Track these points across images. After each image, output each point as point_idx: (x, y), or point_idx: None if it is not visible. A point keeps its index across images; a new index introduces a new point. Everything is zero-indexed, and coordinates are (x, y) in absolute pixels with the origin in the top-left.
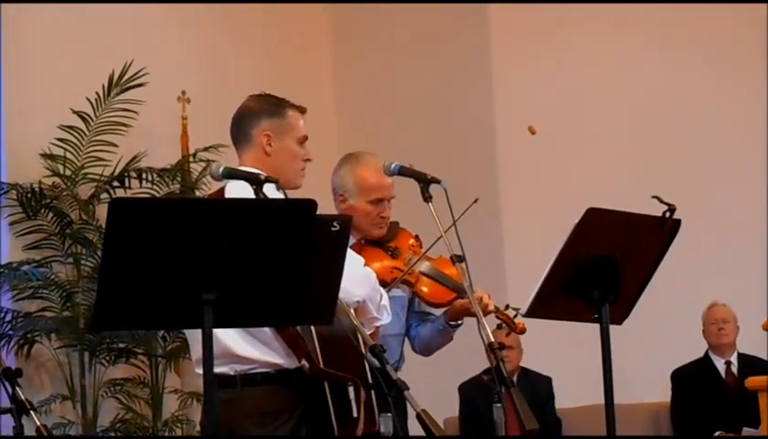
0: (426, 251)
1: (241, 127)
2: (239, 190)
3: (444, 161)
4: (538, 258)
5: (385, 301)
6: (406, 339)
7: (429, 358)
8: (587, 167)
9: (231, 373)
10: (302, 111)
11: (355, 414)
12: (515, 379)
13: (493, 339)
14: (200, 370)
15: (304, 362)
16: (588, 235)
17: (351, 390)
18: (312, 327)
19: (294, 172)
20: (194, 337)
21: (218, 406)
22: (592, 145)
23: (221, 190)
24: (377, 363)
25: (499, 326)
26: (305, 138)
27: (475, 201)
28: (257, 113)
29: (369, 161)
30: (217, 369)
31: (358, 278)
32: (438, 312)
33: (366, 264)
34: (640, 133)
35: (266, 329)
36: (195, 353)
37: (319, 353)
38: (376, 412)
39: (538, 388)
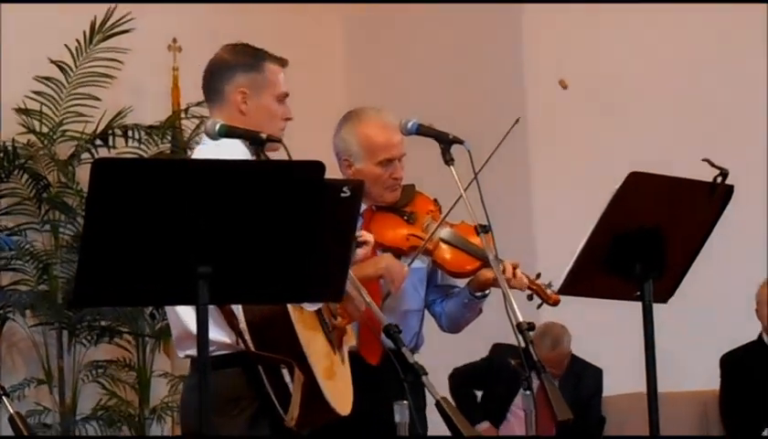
0: (446, 215)
1: (213, 82)
2: (210, 154)
3: (467, 120)
4: (571, 227)
5: None
6: (429, 318)
7: (448, 336)
8: (625, 127)
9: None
10: (282, 64)
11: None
12: None
13: (522, 318)
14: (182, 352)
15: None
16: (630, 202)
17: (286, 372)
18: (239, 307)
19: (273, 133)
20: (172, 314)
21: (184, 393)
22: (630, 102)
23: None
24: (391, 344)
25: (530, 298)
26: (285, 95)
27: (517, 121)
28: (231, 67)
29: (373, 117)
30: (187, 352)
31: None
32: (462, 283)
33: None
34: (683, 88)
35: (212, 307)
36: (175, 332)
37: (247, 335)
38: (326, 398)
39: (585, 379)
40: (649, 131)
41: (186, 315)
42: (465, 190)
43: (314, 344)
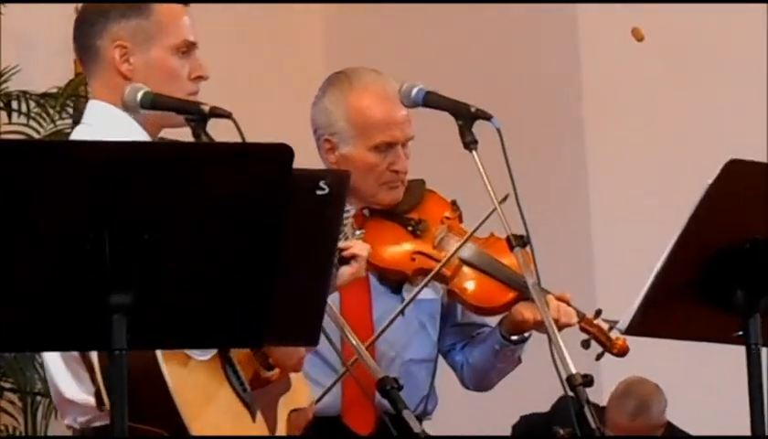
0: (475, 230)
1: (83, 37)
2: (92, 135)
3: (498, 89)
4: (642, 240)
5: None
6: (445, 369)
7: (474, 394)
8: (711, 107)
9: (77, 426)
10: (183, 0)
11: None
12: None
13: (575, 370)
14: (64, 420)
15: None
16: (728, 203)
17: None
18: (94, 358)
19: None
20: (51, 362)
21: None
22: (717, 74)
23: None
24: (389, 407)
25: (586, 344)
26: (189, 45)
27: (504, 199)
28: (104, 13)
29: (370, 83)
30: (66, 420)
31: None
32: (492, 322)
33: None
34: None
35: (73, 355)
36: (54, 390)
37: (105, 395)
38: None
39: None
40: (741, 118)
41: (54, 368)
42: (501, 203)
43: (206, 408)
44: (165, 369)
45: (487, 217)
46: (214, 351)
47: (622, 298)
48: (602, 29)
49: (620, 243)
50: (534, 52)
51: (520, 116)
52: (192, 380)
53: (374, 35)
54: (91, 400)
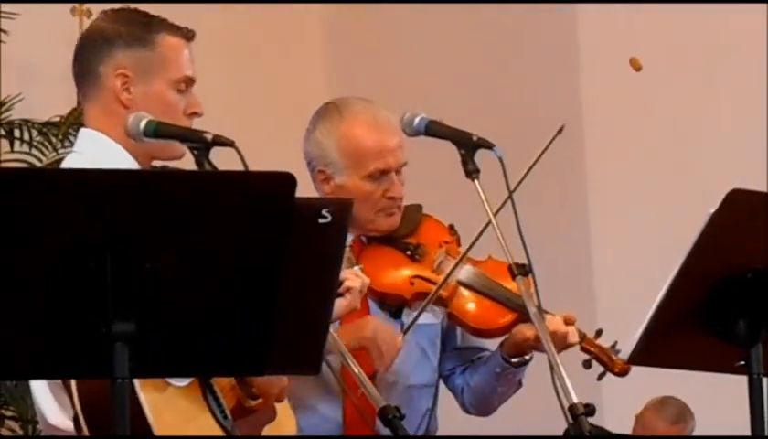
0: (469, 249)
1: (85, 61)
2: (83, 163)
3: (499, 117)
4: (645, 269)
5: None
6: (446, 394)
7: (470, 415)
8: (715, 133)
9: None
10: (186, 36)
11: None
12: None
13: (576, 399)
14: None
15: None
16: (730, 234)
17: None
18: (73, 383)
19: None
20: (36, 388)
21: None
22: (718, 93)
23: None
24: (388, 433)
25: (587, 365)
26: (188, 80)
27: (561, 130)
28: (109, 40)
29: (360, 111)
30: None
31: None
32: (492, 344)
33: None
34: None
35: (59, 381)
36: (39, 416)
37: (82, 419)
38: None
39: None
40: (744, 140)
41: (39, 395)
42: (496, 214)
43: (183, 433)
44: (141, 394)
45: (484, 229)
46: (190, 379)
47: (622, 322)
48: (601, 60)
49: (621, 267)
50: (533, 70)
51: (518, 140)
52: (170, 405)
53: (374, 35)
54: (69, 424)
